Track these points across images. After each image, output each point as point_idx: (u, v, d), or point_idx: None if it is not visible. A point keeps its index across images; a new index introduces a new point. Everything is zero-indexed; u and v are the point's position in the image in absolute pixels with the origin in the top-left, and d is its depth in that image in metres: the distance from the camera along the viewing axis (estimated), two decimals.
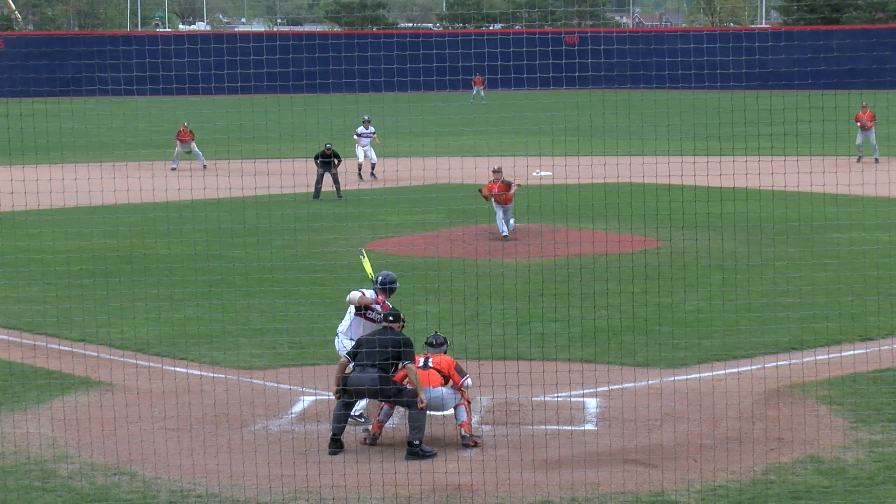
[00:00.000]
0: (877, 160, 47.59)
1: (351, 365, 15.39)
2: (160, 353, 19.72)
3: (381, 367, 15.27)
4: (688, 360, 18.91)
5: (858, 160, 47.16)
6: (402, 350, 15.34)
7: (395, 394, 15.28)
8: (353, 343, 15.82)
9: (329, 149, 39.96)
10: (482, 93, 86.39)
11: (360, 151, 45.13)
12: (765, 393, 17.23)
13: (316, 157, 40.05)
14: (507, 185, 30.80)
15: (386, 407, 15.73)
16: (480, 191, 31.03)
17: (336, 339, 16.86)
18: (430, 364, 15.70)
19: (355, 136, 45.40)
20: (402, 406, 15.43)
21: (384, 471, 14.28)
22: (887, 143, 52.53)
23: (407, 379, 15.39)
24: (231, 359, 19.31)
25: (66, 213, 34.01)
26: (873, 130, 48.38)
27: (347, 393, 15.33)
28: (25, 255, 27.49)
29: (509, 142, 52.87)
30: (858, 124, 47.92)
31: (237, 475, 14.30)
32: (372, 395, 15.33)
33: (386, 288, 16.75)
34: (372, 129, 45.50)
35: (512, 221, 31.18)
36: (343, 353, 16.07)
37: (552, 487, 13.85)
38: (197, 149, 49.31)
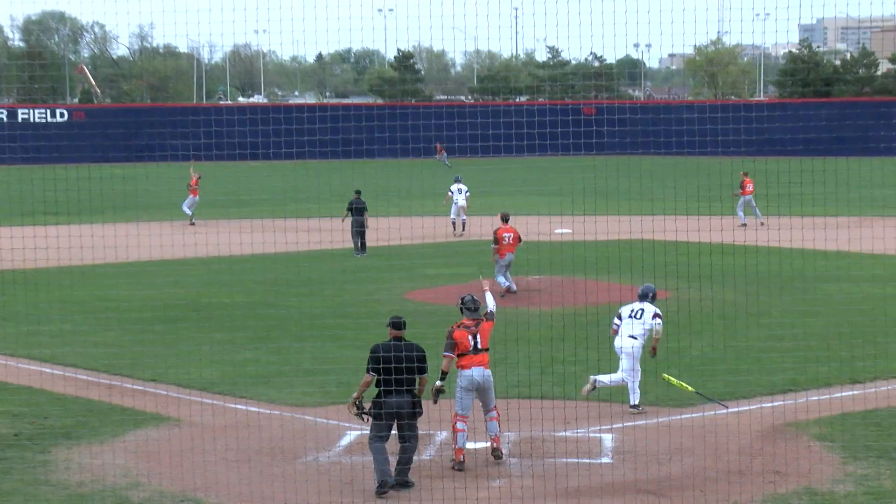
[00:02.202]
0: (763, 223, 42.63)
1: (373, 379, 14.47)
2: (222, 391, 19.76)
3: (409, 392, 14.55)
4: (694, 399, 18.81)
5: (743, 225, 42.07)
6: (422, 365, 14.64)
7: (416, 419, 14.69)
8: (373, 359, 14.54)
9: (357, 194, 38.44)
10: (445, 158, 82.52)
11: (454, 210, 44.26)
12: (763, 430, 17.13)
13: (349, 206, 38.47)
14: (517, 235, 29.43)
15: (461, 434, 15.34)
16: (496, 249, 29.19)
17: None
18: (480, 346, 15.46)
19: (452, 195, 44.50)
20: (406, 435, 14.56)
21: (420, 498, 14.24)
22: (872, 204, 52.17)
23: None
24: (285, 397, 19.35)
25: (138, 265, 34.25)
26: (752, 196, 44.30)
27: (380, 416, 14.52)
28: (103, 303, 27.67)
29: (533, 201, 52.89)
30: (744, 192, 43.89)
31: (290, 502, 14.31)
32: (400, 418, 14.55)
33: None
34: (463, 186, 44.58)
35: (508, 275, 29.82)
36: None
37: None
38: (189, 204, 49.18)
